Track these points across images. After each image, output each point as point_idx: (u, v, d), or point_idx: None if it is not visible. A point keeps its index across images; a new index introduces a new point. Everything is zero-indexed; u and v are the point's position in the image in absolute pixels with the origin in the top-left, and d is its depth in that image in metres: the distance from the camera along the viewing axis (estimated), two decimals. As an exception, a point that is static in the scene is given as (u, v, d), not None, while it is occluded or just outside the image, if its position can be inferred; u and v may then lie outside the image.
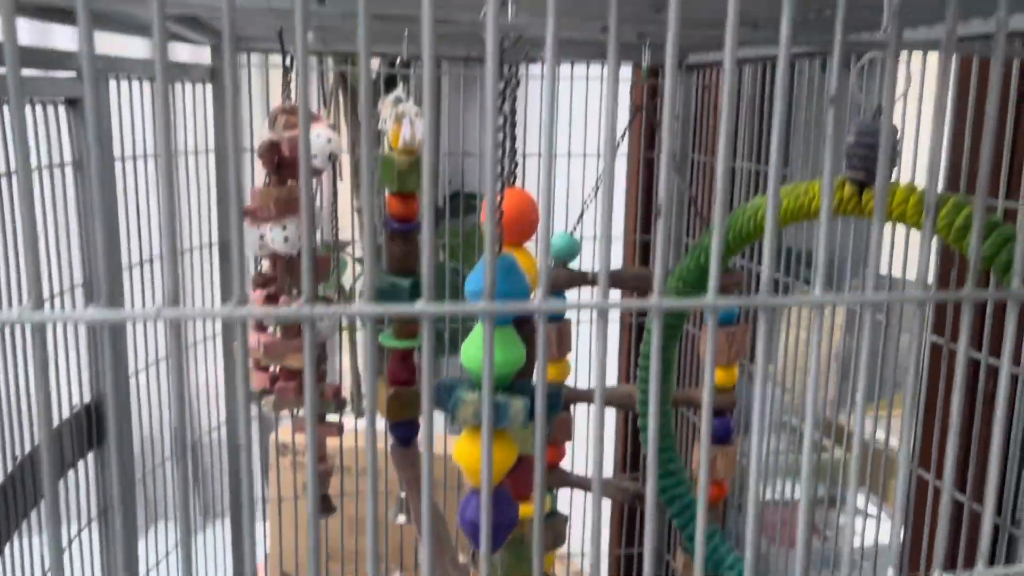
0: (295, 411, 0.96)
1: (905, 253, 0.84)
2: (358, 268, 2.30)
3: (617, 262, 1.38)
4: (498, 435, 0.41)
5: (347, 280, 2.31)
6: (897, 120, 0.57)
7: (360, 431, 1.61)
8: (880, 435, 1.07)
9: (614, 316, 1.48)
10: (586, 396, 1.00)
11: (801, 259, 1.18)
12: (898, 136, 0.53)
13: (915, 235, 0.57)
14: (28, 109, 0.75)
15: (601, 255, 0.32)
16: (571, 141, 1.22)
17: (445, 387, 0.40)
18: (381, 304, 0.28)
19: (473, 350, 0.40)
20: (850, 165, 0.51)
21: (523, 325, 0.47)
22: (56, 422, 0.82)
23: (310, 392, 0.27)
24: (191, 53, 1.26)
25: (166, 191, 0.24)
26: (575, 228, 1.04)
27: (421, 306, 0.29)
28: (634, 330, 1.36)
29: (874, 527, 1.08)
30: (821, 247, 0.33)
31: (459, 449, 0.41)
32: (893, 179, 0.59)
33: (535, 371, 0.60)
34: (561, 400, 0.44)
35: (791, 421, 1.35)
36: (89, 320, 0.27)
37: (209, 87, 1.09)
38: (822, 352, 1.19)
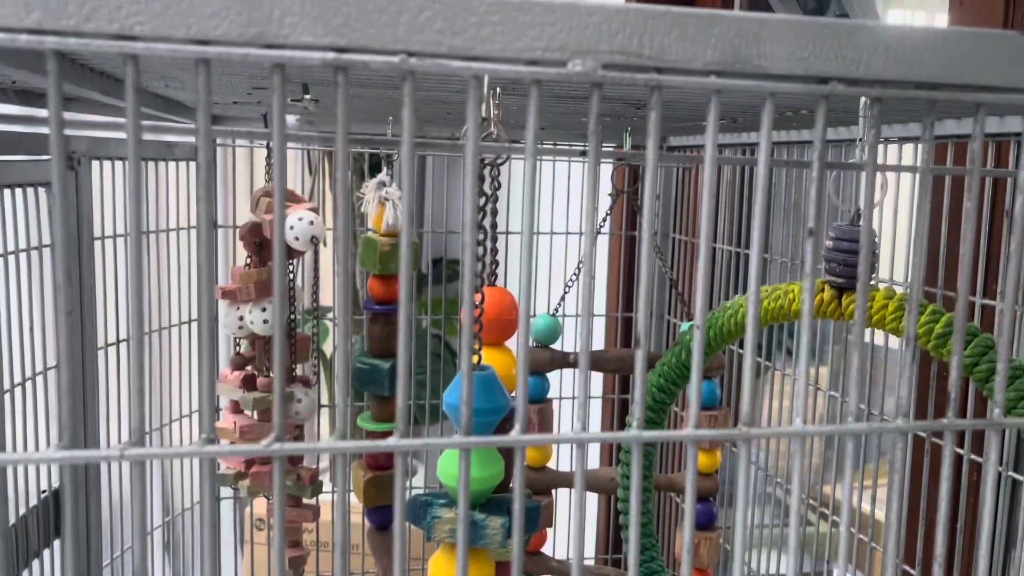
0: (270, 496, 0.94)
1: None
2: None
3: (599, 341, 1.38)
4: (474, 554, 0.40)
5: (328, 347, 2.29)
6: (874, 221, 0.58)
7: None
8: (865, 506, 1.06)
9: (595, 390, 1.47)
10: (569, 480, 0.98)
11: (784, 328, 1.19)
12: (876, 240, 0.54)
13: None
14: (9, 193, 0.75)
15: (581, 383, 0.31)
16: (553, 219, 1.23)
17: (421, 504, 0.39)
18: (354, 441, 0.27)
19: (451, 466, 0.39)
20: (828, 270, 0.52)
21: (504, 430, 0.46)
22: (23, 509, 0.80)
23: (279, 540, 0.26)
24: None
25: (136, 357, 0.24)
26: (557, 309, 1.04)
27: (394, 441, 0.28)
28: (616, 407, 1.36)
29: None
30: (802, 372, 0.33)
31: (435, 568, 0.40)
32: (872, 281, 0.60)
33: (513, 486, 0.59)
34: (540, 517, 0.44)
35: (775, 493, 1.33)
36: (50, 461, 0.26)
37: (193, 165, 1.09)
38: (806, 418, 1.18)
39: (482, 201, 0.37)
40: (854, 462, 0.33)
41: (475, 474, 0.39)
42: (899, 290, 0.54)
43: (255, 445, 0.27)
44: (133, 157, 0.28)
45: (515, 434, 0.29)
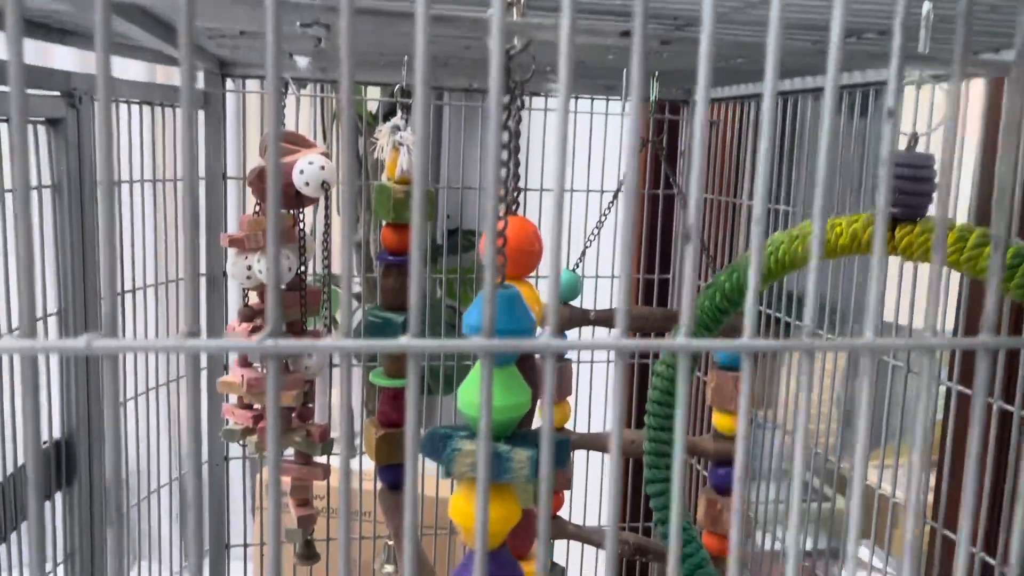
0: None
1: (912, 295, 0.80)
2: (354, 302, 2.26)
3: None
4: (499, 490, 0.36)
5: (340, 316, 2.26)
6: (929, 150, 0.53)
7: (353, 470, 1.55)
8: (886, 484, 1.02)
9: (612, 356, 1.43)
10: (587, 442, 0.95)
11: (803, 302, 1.14)
12: (935, 167, 0.49)
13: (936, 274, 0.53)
14: (4, 127, 0.71)
15: (620, 291, 0.28)
16: (574, 176, 1.18)
17: (440, 436, 0.35)
18: (359, 340, 0.23)
19: (471, 394, 0.35)
20: (882, 198, 0.47)
21: (525, 366, 0.42)
22: (21, 460, 0.77)
23: (273, 442, 0.23)
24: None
25: (107, 233, 0.20)
26: (577, 266, 1.00)
27: (406, 341, 0.24)
28: (636, 372, 1.32)
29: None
30: (874, 292, 0.29)
31: (455, 506, 0.36)
32: (930, 213, 0.55)
33: (538, 417, 0.55)
34: (569, 451, 0.40)
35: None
36: (5, 351, 0.22)
37: (201, 112, 1.05)
38: (823, 397, 1.14)
39: (506, 100, 0.33)
40: (876, 387, 0.29)
41: (498, 403, 0.35)
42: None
43: (247, 341, 0.23)
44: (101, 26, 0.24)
45: (544, 339, 0.25)
